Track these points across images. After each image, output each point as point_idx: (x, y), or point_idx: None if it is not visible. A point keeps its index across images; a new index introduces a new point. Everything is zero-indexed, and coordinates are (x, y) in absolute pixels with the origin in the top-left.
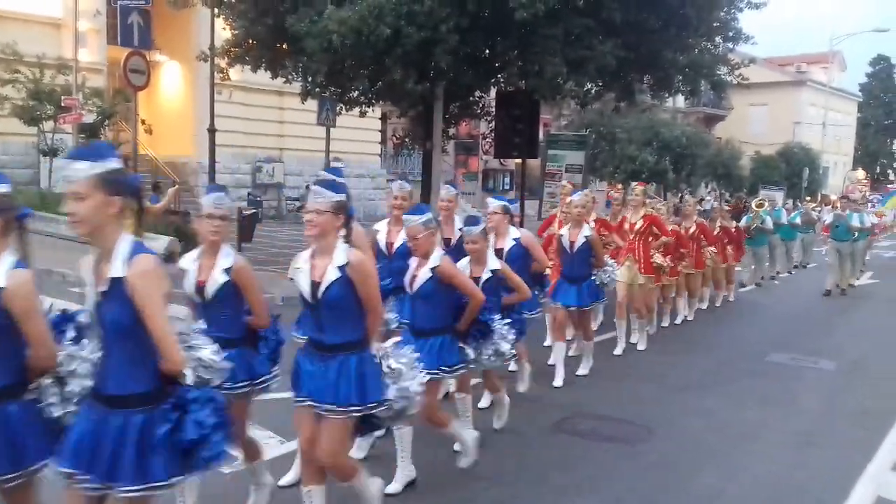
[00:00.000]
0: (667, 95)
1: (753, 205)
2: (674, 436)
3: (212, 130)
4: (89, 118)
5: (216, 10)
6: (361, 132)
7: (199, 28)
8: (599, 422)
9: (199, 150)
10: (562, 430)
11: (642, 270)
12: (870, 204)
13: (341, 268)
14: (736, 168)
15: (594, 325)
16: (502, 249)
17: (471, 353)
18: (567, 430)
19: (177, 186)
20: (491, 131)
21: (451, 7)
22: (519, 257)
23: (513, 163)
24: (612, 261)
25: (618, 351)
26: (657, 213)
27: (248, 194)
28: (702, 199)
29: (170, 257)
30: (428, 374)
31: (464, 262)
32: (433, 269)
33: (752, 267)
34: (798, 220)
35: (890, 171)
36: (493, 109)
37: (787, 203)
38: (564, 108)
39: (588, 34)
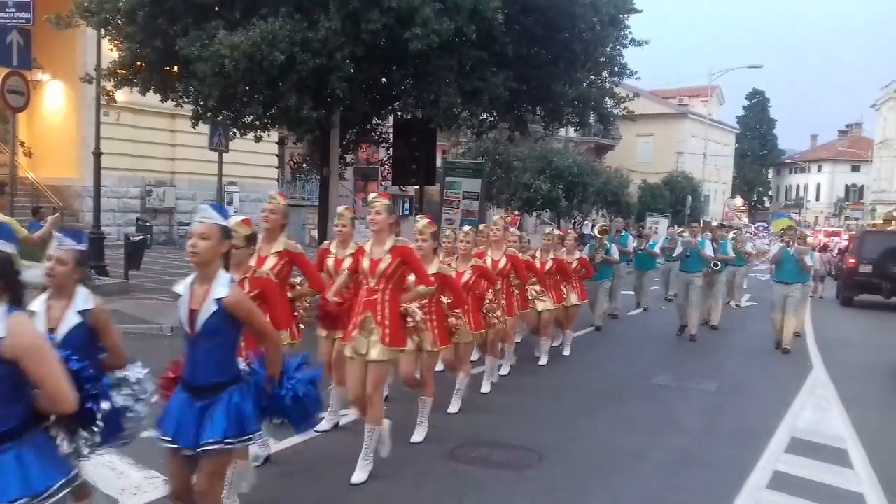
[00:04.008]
0: (558, 126)
1: (596, 231)
2: (564, 460)
3: (97, 153)
4: None
5: (102, 31)
6: (257, 156)
7: (84, 47)
8: (492, 449)
9: (84, 173)
10: (455, 458)
11: (387, 342)
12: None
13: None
14: (624, 195)
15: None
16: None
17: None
18: (460, 458)
19: (58, 213)
20: (389, 158)
21: (346, 35)
22: (82, 339)
23: (413, 189)
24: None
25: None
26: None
27: (137, 219)
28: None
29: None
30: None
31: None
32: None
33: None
34: (657, 249)
35: (766, 199)
36: (391, 136)
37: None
38: (461, 136)
39: (481, 66)
